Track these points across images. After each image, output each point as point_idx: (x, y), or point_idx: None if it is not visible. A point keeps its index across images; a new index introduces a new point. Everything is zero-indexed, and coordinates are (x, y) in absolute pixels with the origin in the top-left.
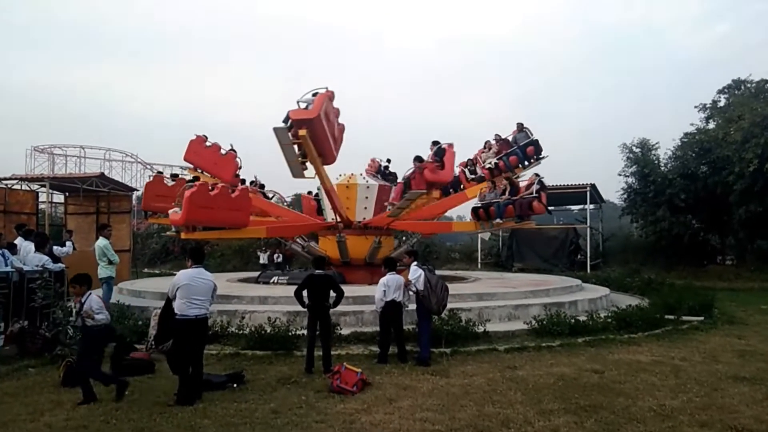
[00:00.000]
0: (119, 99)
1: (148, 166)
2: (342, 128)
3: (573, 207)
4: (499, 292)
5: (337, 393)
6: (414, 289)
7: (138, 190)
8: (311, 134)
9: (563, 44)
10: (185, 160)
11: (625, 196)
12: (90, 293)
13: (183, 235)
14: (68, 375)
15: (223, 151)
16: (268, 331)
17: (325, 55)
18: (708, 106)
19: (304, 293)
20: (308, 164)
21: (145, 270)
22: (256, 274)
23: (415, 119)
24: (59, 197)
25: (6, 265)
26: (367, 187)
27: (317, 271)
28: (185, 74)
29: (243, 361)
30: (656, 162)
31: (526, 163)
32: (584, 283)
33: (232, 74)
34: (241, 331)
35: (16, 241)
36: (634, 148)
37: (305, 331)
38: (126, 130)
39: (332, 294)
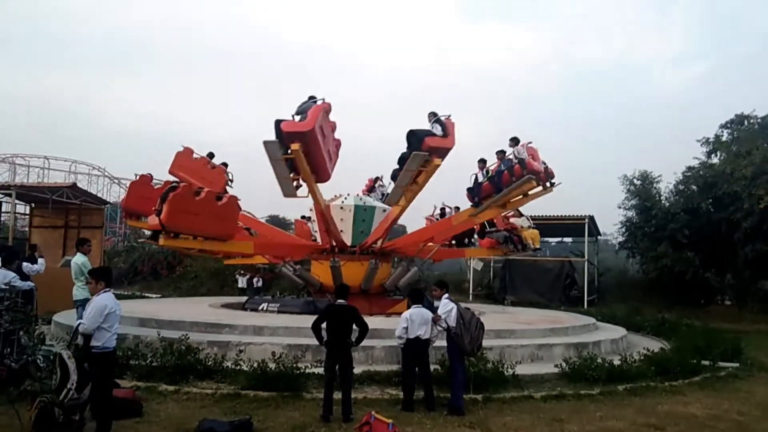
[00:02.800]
0: (90, 110)
1: (116, 180)
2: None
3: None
4: (517, 330)
5: None
6: (444, 325)
7: (110, 203)
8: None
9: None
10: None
11: (624, 229)
12: None
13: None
14: (41, 418)
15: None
16: (272, 367)
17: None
18: (711, 140)
19: (323, 326)
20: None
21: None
22: (234, 299)
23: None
24: (22, 208)
25: None
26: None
27: (339, 300)
28: (158, 87)
29: (245, 404)
30: (657, 196)
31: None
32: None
33: (208, 89)
34: (239, 367)
35: None
36: (634, 180)
37: (316, 370)
38: (93, 142)
39: (354, 328)
